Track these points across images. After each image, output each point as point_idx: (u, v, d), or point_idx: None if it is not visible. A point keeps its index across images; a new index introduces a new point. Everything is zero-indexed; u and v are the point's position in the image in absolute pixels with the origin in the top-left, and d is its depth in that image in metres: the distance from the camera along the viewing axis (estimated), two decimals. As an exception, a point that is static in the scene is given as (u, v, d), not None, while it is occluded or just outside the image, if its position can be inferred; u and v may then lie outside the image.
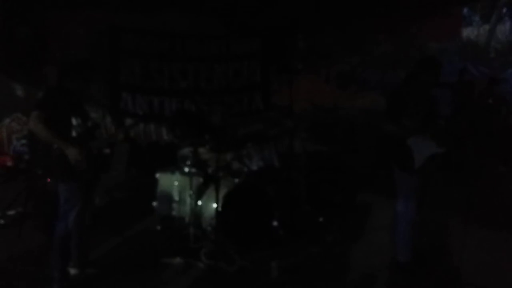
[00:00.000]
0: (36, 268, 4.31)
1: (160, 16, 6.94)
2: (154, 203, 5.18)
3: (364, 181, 6.46)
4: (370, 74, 9.07)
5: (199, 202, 4.97)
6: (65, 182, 3.91)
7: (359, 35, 8.20)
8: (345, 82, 8.94)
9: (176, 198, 5.09)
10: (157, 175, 5.23)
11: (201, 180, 5.10)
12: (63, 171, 3.84)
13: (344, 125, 7.34)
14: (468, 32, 14.94)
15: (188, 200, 4.99)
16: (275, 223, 4.86)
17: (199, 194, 5.00)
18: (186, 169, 5.12)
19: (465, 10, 15.28)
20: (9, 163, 6.90)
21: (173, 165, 5.31)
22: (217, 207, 4.62)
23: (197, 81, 7.45)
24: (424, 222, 4.33)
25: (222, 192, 4.73)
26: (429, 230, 4.88)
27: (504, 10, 16.37)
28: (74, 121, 3.88)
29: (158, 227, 5.18)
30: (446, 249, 4.71)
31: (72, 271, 4.17)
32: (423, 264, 4.38)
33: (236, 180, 5.01)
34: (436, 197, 4.39)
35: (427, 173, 4.10)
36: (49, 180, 4.91)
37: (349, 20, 7.53)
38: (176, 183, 5.11)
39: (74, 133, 3.87)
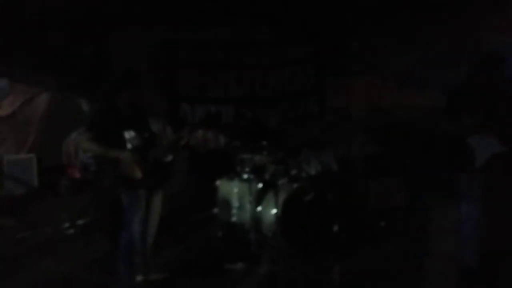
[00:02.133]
0: (104, 276, 4.45)
1: (214, 27, 7.08)
2: (215, 210, 5.28)
3: (426, 183, 6.28)
4: (429, 72, 8.80)
5: (259, 208, 5.02)
6: (125, 191, 4.06)
7: (415, 33, 7.99)
8: (402, 82, 8.72)
9: (236, 204, 5.16)
10: (217, 182, 5.33)
11: (260, 186, 5.14)
12: (122, 181, 3.99)
13: (403, 126, 7.16)
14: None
15: (248, 206, 5.04)
16: (335, 228, 4.83)
17: (258, 200, 5.05)
18: (245, 176, 5.18)
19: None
20: (77, 175, 7.21)
21: (232, 172, 5.39)
22: (276, 213, 4.65)
23: (253, 88, 7.52)
24: (491, 224, 4.16)
25: (281, 197, 4.76)
26: (496, 232, 4.68)
27: None
28: (127, 135, 4.01)
29: (220, 234, 5.27)
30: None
31: (138, 278, 4.29)
32: (491, 269, 4.20)
33: (295, 185, 5.02)
34: (503, 198, 4.21)
35: (491, 173, 3.94)
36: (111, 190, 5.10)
37: (405, 18, 7.36)
38: (235, 189, 5.18)
39: (129, 146, 3.99)
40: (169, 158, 4.43)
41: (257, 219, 4.98)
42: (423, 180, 6.30)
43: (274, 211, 4.68)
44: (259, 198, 5.06)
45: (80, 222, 5.86)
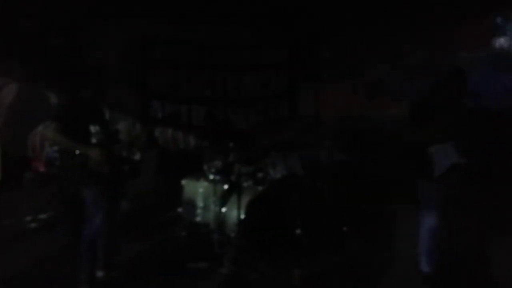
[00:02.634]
0: (65, 270, 4.41)
1: (190, 26, 7.07)
2: (180, 209, 5.28)
3: (389, 190, 6.41)
4: (397, 84, 8.97)
5: (223, 209, 5.04)
6: (89, 186, 4.03)
7: (387, 45, 8.15)
8: (373, 92, 8.86)
9: (201, 204, 5.18)
10: (183, 182, 5.33)
11: (225, 187, 5.16)
12: (87, 176, 3.96)
13: (370, 134, 7.29)
14: (501, 42, 14.67)
15: (212, 206, 5.06)
16: (298, 231, 4.88)
17: (223, 201, 5.07)
18: (211, 177, 5.20)
19: (499, 19, 15.03)
20: (42, 169, 7.09)
21: (198, 172, 5.40)
22: (239, 214, 4.68)
23: (225, 90, 7.54)
24: (449, 231, 4.27)
25: (246, 199, 4.79)
26: (457, 240, 4.81)
27: (540, 19, 16.02)
28: (92, 129, 3.99)
29: (184, 233, 5.28)
30: (471, 259, 4.63)
31: (99, 273, 4.26)
32: (448, 274, 4.31)
33: (260, 188, 5.06)
34: (461, 207, 4.33)
35: (450, 182, 4.05)
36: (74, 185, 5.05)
37: (377, 29, 7.50)
38: (201, 190, 5.20)
39: (94, 140, 3.98)
40: (137, 156, 4.42)
41: (221, 219, 5.00)
42: (388, 186, 6.43)
43: (237, 212, 4.70)
44: (224, 199, 5.08)
45: (43, 216, 5.78)
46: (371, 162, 6.70)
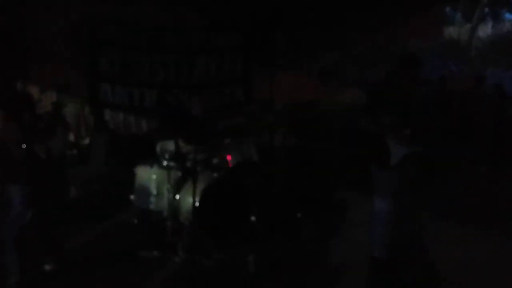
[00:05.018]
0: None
1: (139, 7, 6.87)
2: (132, 197, 5.15)
3: (342, 178, 6.50)
4: (351, 71, 9.10)
5: (177, 196, 4.94)
6: (14, 183, 3.82)
7: (340, 32, 8.23)
8: (326, 78, 8.95)
9: (154, 191, 5.05)
10: (135, 169, 5.19)
11: (179, 174, 5.06)
12: (9, 171, 3.77)
13: (324, 121, 7.36)
14: (450, 31, 15.09)
15: (166, 194, 4.95)
16: (252, 218, 4.86)
17: (177, 188, 4.97)
18: (165, 163, 5.08)
19: (448, 9, 15.44)
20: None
21: (151, 158, 5.27)
22: (194, 201, 4.60)
23: (178, 74, 7.40)
24: (401, 219, 4.37)
25: (201, 186, 4.72)
26: (405, 227, 4.94)
27: (486, 9, 16.59)
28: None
29: (136, 221, 5.16)
30: (421, 245, 4.76)
31: (47, 266, 4.13)
32: (399, 261, 4.42)
33: (215, 175, 5.00)
34: (413, 195, 4.44)
35: (404, 171, 4.12)
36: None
37: (330, 16, 7.54)
38: (154, 176, 5.07)
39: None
40: (86, 141, 4.25)
41: (175, 207, 4.91)
42: (341, 173, 6.52)
43: (191, 199, 4.63)
44: (178, 186, 4.99)
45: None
46: (325, 148, 6.77)
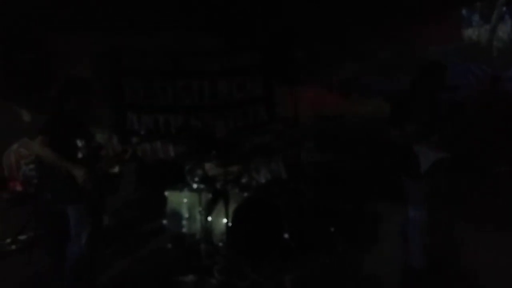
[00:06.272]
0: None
1: (160, 34, 6.99)
2: (164, 221, 5.19)
3: (372, 189, 6.43)
4: (372, 81, 9.05)
5: (209, 218, 4.97)
6: (73, 203, 3.94)
7: (358, 42, 8.21)
8: (347, 90, 8.92)
9: (186, 215, 5.10)
10: (166, 193, 5.24)
11: (210, 196, 5.10)
12: (71, 193, 3.87)
13: (349, 133, 7.32)
14: (468, 33, 14.91)
15: (198, 216, 4.99)
16: (285, 236, 4.85)
17: (208, 210, 5.01)
18: (195, 186, 5.13)
19: (464, 11, 15.27)
20: (19, 188, 6.92)
21: (181, 182, 5.32)
22: (227, 222, 4.62)
23: (201, 97, 7.48)
24: (436, 227, 4.30)
25: (232, 207, 4.74)
26: (442, 235, 4.85)
27: (504, 8, 16.36)
28: (78, 143, 3.92)
29: (169, 245, 5.19)
30: (459, 253, 4.67)
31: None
32: (438, 270, 4.34)
33: (245, 194, 5.02)
34: (447, 202, 4.37)
35: (435, 178, 4.08)
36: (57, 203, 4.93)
37: (347, 27, 7.54)
38: (185, 200, 5.12)
39: (79, 155, 3.91)
40: (116, 169, 4.34)
41: (207, 229, 4.94)
42: (370, 185, 6.45)
43: (224, 221, 4.65)
44: (209, 208, 5.03)
45: (22, 237, 5.61)
46: (353, 161, 6.72)
